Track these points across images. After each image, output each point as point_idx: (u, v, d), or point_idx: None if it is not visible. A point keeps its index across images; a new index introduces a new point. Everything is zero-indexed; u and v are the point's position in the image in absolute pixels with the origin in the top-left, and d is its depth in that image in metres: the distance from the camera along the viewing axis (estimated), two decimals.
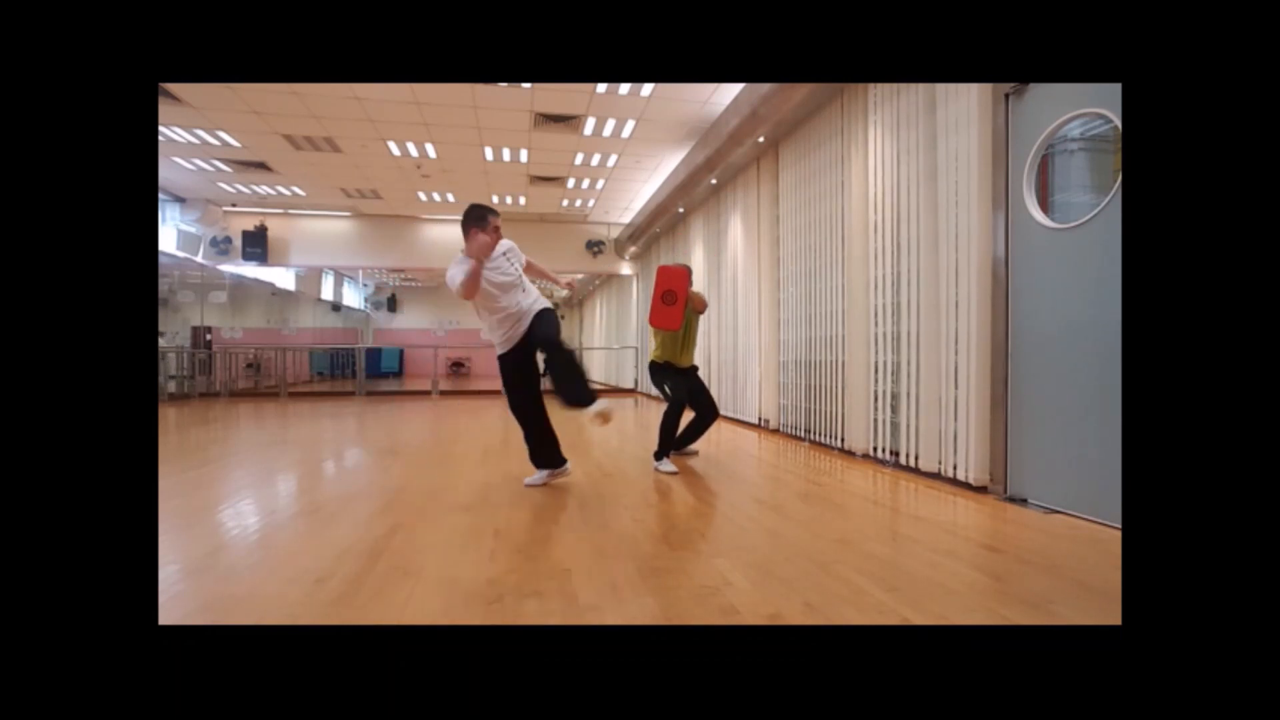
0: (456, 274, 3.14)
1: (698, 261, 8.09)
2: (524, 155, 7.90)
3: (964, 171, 3.38)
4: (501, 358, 3.43)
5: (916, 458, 3.81)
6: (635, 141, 7.34)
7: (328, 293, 16.28)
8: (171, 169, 8.43)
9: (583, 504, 3.06)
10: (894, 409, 4.15)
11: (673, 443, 4.06)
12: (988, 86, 3.24)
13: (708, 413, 4.29)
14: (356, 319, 18.88)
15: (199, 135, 7.16)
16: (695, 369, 4.31)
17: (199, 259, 10.54)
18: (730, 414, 7.09)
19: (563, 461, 3.53)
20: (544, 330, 3.33)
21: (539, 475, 3.49)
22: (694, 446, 4.56)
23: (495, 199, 10.05)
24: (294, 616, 1.72)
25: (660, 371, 4.23)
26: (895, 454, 4.11)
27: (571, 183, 9.13)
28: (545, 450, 3.48)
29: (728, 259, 7.19)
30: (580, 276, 15.55)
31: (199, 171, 8.58)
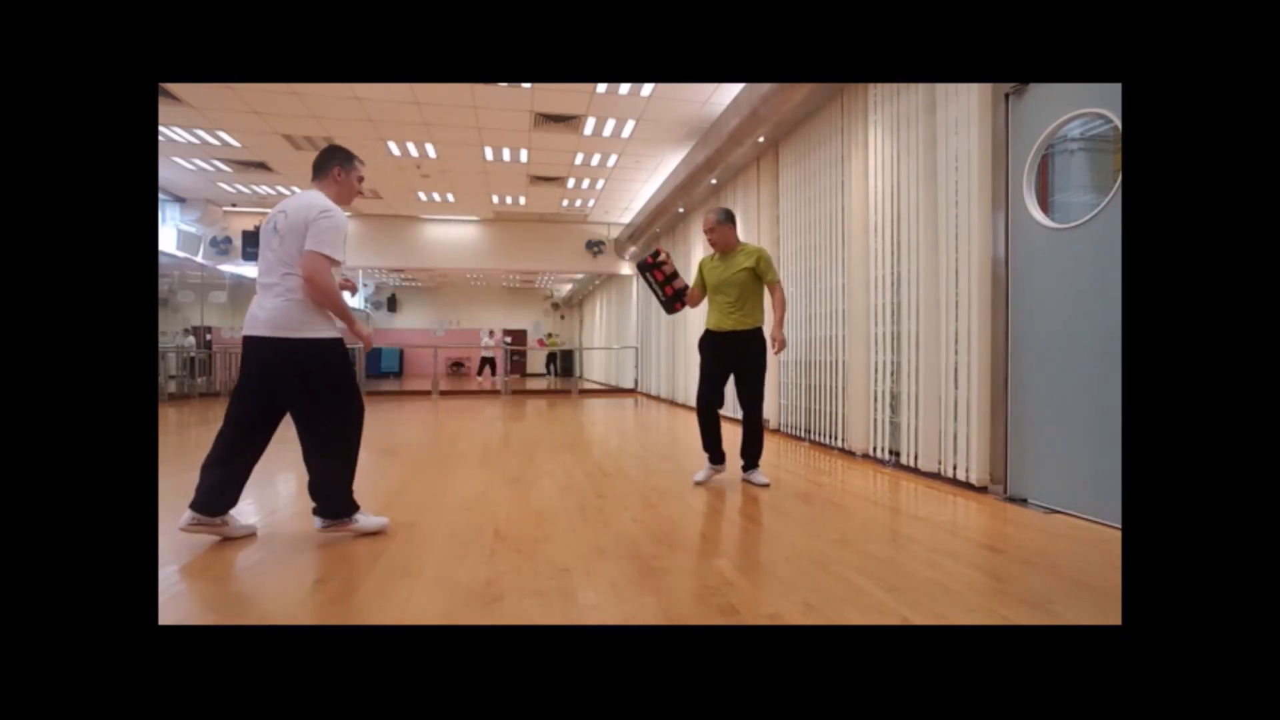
0: (332, 250, 2.32)
1: (698, 262, 8.10)
2: (524, 155, 7.90)
3: (964, 171, 3.38)
4: (339, 342, 2.50)
5: (916, 458, 3.81)
6: (635, 141, 7.34)
7: None
8: (171, 169, 8.43)
9: (583, 504, 3.06)
10: (894, 409, 4.15)
11: (710, 445, 3.50)
12: (988, 86, 3.24)
13: (746, 409, 3.47)
14: (356, 319, 18.86)
15: (199, 135, 7.17)
16: (746, 333, 3.40)
17: (199, 259, 10.54)
18: (730, 414, 7.08)
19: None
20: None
21: (373, 522, 2.57)
22: (760, 476, 3.47)
23: (495, 199, 10.06)
24: (294, 616, 1.72)
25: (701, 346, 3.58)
26: (895, 454, 4.10)
27: (571, 183, 9.13)
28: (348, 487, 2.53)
29: None
30: (580, 276, 15.58)
31: (199, 171, 8.58)
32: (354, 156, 2.60)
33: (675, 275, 3.59)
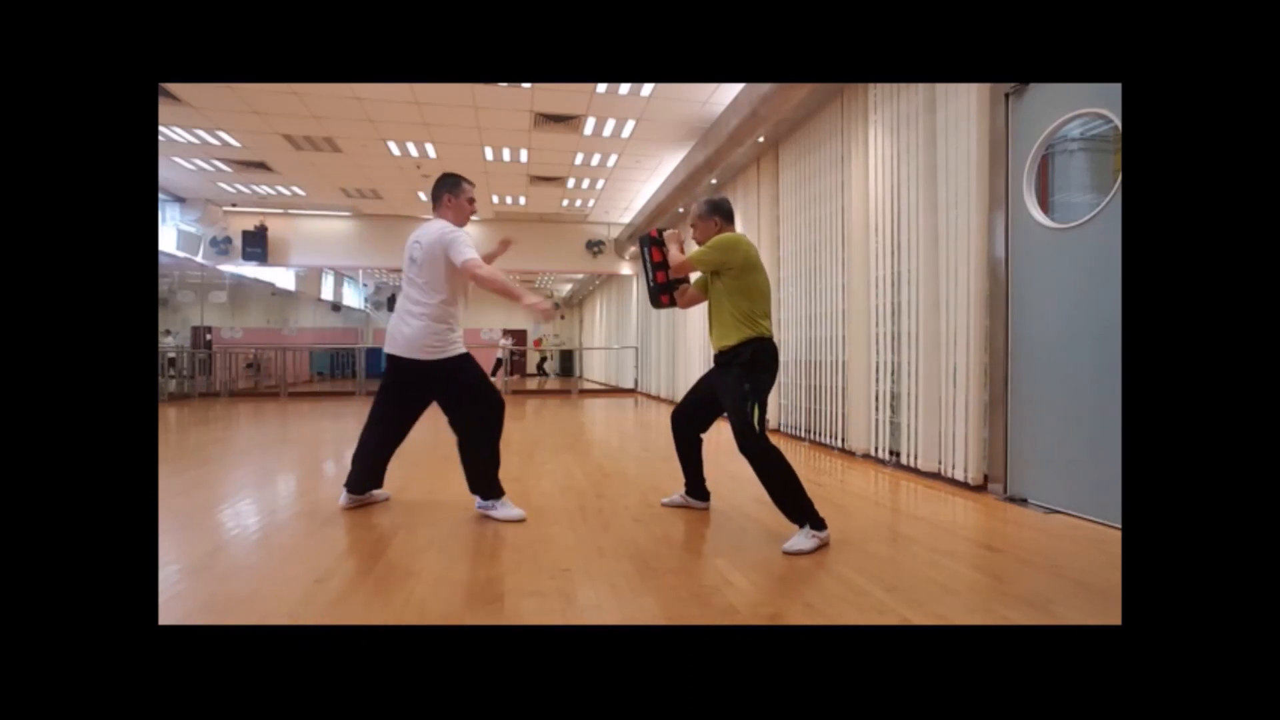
0: (473, 254, 2.70)
1: None
2: (524, 155, 7.90)
3: (964, 171, 3.38)
4: (464, 358, 2.87)
5: (916, 457, 3.81)
6: (635, 141, 7.33)
7: (328, 293, 16.28)
8: (171, 169, 8.43)
9: (583, 504, 3.06)
10: (894, 409, 4.15)
11: (683, 468, 2.96)
12: (987, 86, 3.24)
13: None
14: (356, 319, 18.88)
15: (199, 135, 7.16)
16: (721, 353, 2.65)
17: (199, 259, 10.54)
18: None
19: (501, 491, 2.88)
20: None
21: (510, 512, 2.81)
22: (795, 541, 2.33)
23: (495, 199, 10.05)
24: (294, 616, 1.72)
25: None
26: (895, 454, 4.10)
27: (571, 183, 9.13)
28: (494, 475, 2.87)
29: None
30: (580, 276, 15.57)
31: (199, 171, 8.57)
32: (460, 180, 2.87)
33: None
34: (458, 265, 2.68)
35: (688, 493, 2.98)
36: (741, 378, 2.50)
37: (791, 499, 2.39)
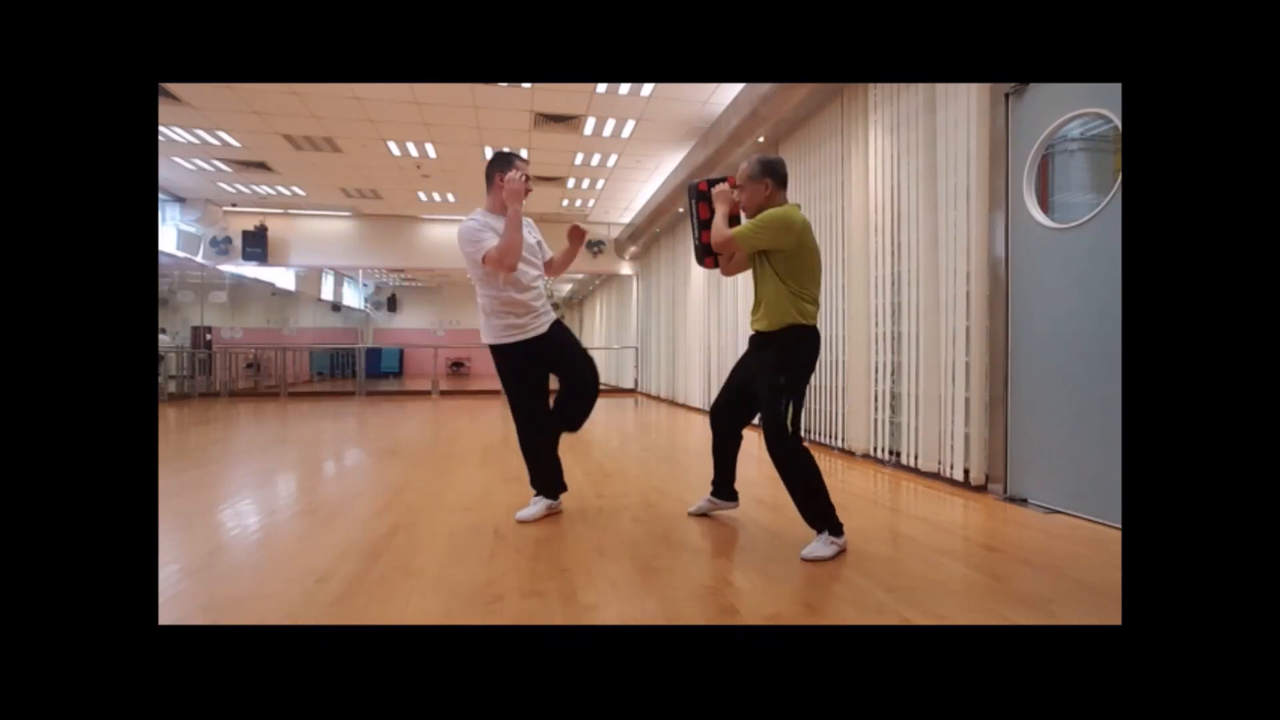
0: (488, 237, 2.54)
1: None
2: (524, 155, 7.89)
3: (964, 171, 3.38)
4: (509, 349, 2.70)
5: (916, 457, 3.81)
6: (635, 141, 7.34)
7: (328, 293, 16.28)
8: (171, 169, 8.43)
9: (583, 504, 3.06)
10: (894, 409, 4.15)
11: (715, 468, 2.80)
12: (987, 86, 3.24)
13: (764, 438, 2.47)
14: (356, 319, 18.88)
15: (199, 135, 7.16)
16: (765, 335, 2.46)
17: (199, 259, 10.54)
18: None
19: (559, 492, 2.89)
20: (586, 366, 2.87)
21: (536, 507, 2.80)
22: (815, 547, 2.26)
23: None
24: (294, 616, 1.72)
25: None
26: (895, 454, 4.10)
27: (571, 183, 9.13)
28: (546, 474, 2.85)
29: None
30: (580, 276, 15.57)
31: (199, 171, 8.57)
32: (513, 158, 2.68)
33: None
34: (481, 264, 2.57)
35: (715, 494, 2.82)
36: (777, 369, 2.35)
37: (814, 504, 2.30)
